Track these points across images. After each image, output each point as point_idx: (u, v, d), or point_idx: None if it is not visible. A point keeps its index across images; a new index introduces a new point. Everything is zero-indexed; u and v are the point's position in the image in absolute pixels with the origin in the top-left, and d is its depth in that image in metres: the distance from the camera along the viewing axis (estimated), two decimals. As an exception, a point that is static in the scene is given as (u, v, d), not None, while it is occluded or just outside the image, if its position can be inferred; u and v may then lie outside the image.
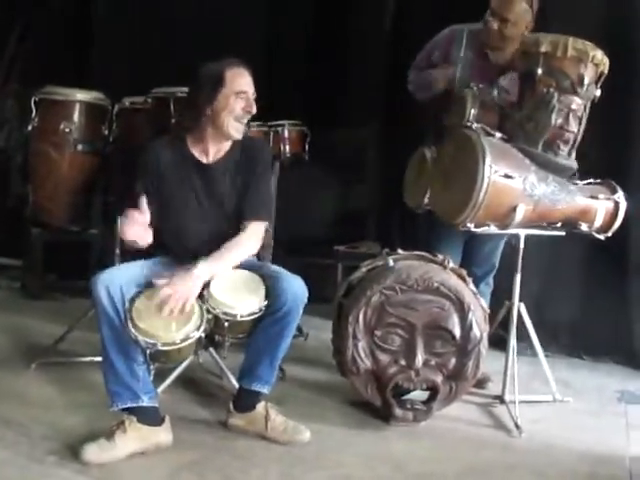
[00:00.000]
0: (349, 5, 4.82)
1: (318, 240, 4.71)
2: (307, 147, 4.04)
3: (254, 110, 3.07)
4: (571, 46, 3.11)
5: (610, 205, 3.36)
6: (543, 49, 3.13)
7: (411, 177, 3.57)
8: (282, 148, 3.89)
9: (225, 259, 2.99)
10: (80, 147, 3.77)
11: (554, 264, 3.68)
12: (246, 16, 4.85)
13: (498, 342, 3.63)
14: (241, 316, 2.90)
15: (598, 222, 3.34)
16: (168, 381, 3.30)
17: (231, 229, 3.09)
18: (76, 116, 3.80)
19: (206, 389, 3.51)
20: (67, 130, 3.75)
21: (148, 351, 2.82)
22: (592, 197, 3.32)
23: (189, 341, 2.82)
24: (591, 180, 3.40)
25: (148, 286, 2.91)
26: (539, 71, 3.14)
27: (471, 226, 3.16)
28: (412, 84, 3.83)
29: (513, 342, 3.43)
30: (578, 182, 3.35)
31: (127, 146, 3.69)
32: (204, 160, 3.13)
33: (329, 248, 4.85)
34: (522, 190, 3.10)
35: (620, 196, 3.37)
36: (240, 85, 3.05)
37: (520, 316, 3.48)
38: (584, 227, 3.33)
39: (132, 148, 3.62)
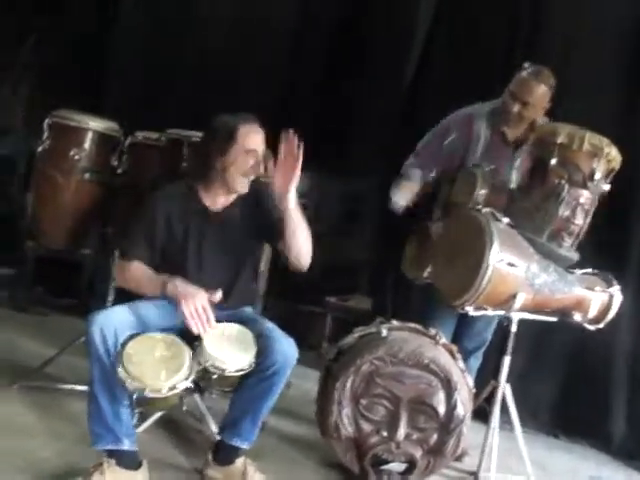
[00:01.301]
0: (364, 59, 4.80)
1: (309, 288, 4.71)
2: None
3: (261, 171, 3.10)
4: (587, 140, 3.13)
5: (605, 297, 3.38)
6: (559, 140, 3.16)
7: (412, 248, 3.59)
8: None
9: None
10: (87, 176, 3.74)
11: (540, 342, 3.69)
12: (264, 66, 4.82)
13: (479, 413, 3.62)
14: (230, 371, 2.90)
15: (592, 313, 3.36)
16: (149, 422, 3.30)
17: (247, 273, 3.16)
18: (87, 144, 3.76)
19: (185, 432, 3.50)
20: (76, 157, 3.72)
21: (135, 396, 2.81)
22: (588, 288, 3.34)
23: (176, 391, 2.82)
24: (588, 270, 3.42)
25: (144, 330, 2.92)
26: (553, 161, 3.16)
27: (470, 309, 3.17)
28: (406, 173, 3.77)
29: (495, 424, 3.43)
30: (575, 271, 3.38)
31: (136, 181, 3.68)
32: (214, 208, 3.16)
33: (319, 296, 4.85)
34: (524, 279, 3.12)
35: (616, 290, 3.39)
36: (251, 143, 3.08)
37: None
38: (577, 317, 3.34)
39: (140, 184, 3.63)
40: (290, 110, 4.80)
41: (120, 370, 2.78)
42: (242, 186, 3.11)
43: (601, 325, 3.43)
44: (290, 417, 3.84)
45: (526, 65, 3.53)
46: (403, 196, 3.52)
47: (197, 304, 2.84)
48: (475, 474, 3.50)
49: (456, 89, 4.38)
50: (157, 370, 2.81)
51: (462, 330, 3.76)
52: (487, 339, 3.86)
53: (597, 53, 4.13)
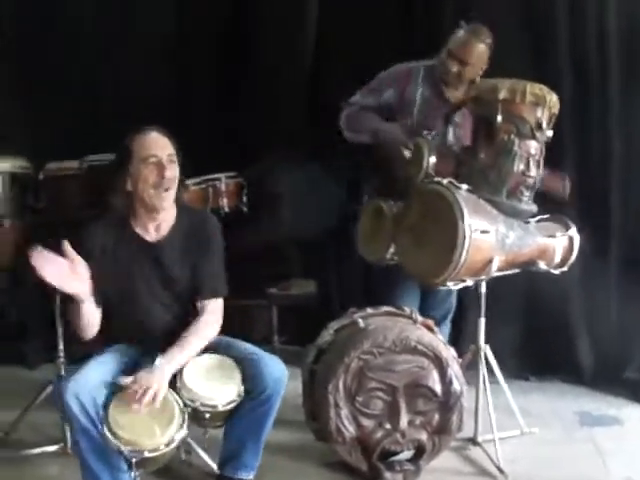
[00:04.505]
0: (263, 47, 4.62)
1: (243, 281, 4.51)
2: (245, 199, 3.83)
3: (168, 174, 2.85)
4: (529, 91, 3.09)
5: (566, 241, 3.39)
6: (502, 96, 3.09)
7: (366, 230, 3.48)
8: (220, 203, 3.67)
9: (186, 351, 2.83)
10: (7, 222, 3.40)
11: (493, 290, 3.69)
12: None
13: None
14: (222, 406, 2.77)
15: (557, 259, 3.37)
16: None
17: (186, 308, 2.96)
18: (-1, 189, 3.43)
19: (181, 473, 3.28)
20: (-12, 206, 3.39)
21: (134, 460, 2.63)
22: (550, 236, 3.33)
23: (174, 444, 2.68)
24: (542, 216, 3.40)
25: (117, 384, 2.72)
26: (499, 118, 3.10)
27: (451, 284, 3.11)
28: (347, 121, 3.70)
29: (482, 386, 3.43)
30: (530, 220, 3.35)
31: (58, 216, 3.37)
32: (148, 238, 2.94)
33: (255, 288, 4.69)
34: (496, 242, 3.06)
35: (574, 231, 3.41)
36: (146, 150, 2.86)
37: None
38: (542, 265, 3.31)
39: (64, 217, 3.35)
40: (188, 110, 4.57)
41: (110, 437, 2.61)
42: (161, 200, 2.86)
43: (565, 268, 3.44)
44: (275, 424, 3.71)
45: (462, 23, 3.46)
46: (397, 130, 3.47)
47: (148, 398, 2.63)
48: (473, 439, 3.52)
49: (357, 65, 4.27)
50: (149, 427, 2.65)
51: (427, 301, 3.72)
52: (453, 304, 3.85)
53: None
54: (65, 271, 2.67)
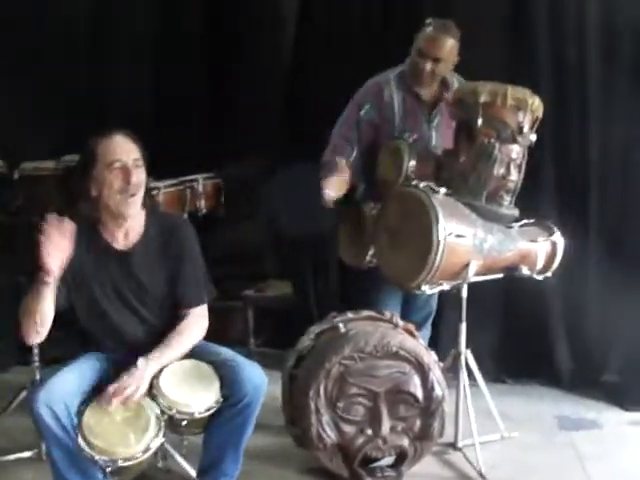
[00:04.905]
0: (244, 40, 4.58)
1: (218, 282, 4.49)
2: (224, 200, 3.79)
3: (134, 179, 2.77)
4: (510, 95, 3.08)
5: (549, 246, 3.37)
6: (482, 99, 3.08)
7: (346, 233, 3.45)
8: (198, 204, 3.63)
9: (168, 352, 2.78)
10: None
11: (471, 293, 3.68)
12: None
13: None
14: (199, 413, 2.72)
15: (539, 265, 3.35)
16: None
17: (162, 317, 2.89)
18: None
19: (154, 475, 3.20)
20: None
21: (108, 469, 2.58)
22: (532, 241, 3.32)
23: (150, 452, 2.63)
24: (525, 221, 3.39)
25: (92, 392, 2.68)
26: (479, 122, 3.09)
27: (426, 288, 3.09)
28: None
29: (463, 391, 3.41)
30: (514, 225, 3.34)
31: (35, 217, 3.30)
32: (117, 246, 2.86)
33: (230, 289, 4.64)
34: (473, 246, 3.06)
35: (557, 236, 3.39)
36: (110, 155, 2.76)
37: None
38: (525, 270, 3.30)
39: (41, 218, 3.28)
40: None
41: (84, 446, 2.55)
42: (127, 207, 2.78)
43: (549, 274, 3.43)
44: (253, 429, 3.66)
45: (429, 21, 3.42)
46: (334, 187, 3.32)
47: (125, 396, 2.61)
48: (453, 444, 3.50)
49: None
50: (124, 435, 2.60)
51: (407, 304, 3.69)
52: (433, 308, 3.83)
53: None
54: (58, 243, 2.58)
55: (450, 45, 3.39)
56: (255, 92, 4.50)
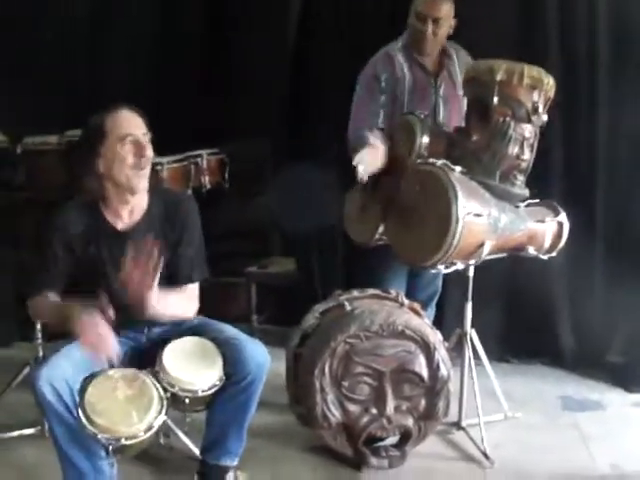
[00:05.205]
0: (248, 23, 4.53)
1: (221, 258, 4.44)
2: (227, 176, 3.73)
3: (149, 153, 2.73)
4: (526, 74, 3.01)
5: (555, 227, 3.32)
6: (499, 77, 3.00)
7: (353, 211, 3.41)
8: (202, 180, 3.57)
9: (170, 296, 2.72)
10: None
11: (476, 274, 3.65)
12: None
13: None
14: (202, 391, 2.70)
15: (546, 245, 3.31)
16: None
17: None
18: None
19: (162, 458, 3.22)
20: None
21: (111, 447, 2.56)
22: (539, 221, 3.27)
23: (153, 430, 2.59)
24: (530, 201, 3.34)
25: (94, 370, 2.65)
26: (495, 100, 3.02)
27: (441, 267, 3.04)
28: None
29: (468, 371, 3.40)
30: (520, 205, 3.29)
31: (39, 193, 3.24)
32: (119, 226, 2.81)
33: (233, 265, 4.61)
34: (488, 225, 3.00)
35: (563, 217, 3.33)
36: (123, 129, 2.71)
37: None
38: (531, 250, 3.26)
39: (45, 195, 3.24)
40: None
41: (86, 423, 2.52)
42: (138, 181, 2.73)
43: (554, 254, 3.39)
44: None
45: None
46: (368, 161, 3.19)
47: (92, 335, 2.54)
48: (457, 424, 3.49)
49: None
50: (127, 414, 2.57)
51: (413, 283, 3.66)
52: (438, 287, 3.80)
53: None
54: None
55: (447, 5, 3.41)
56: (255, 92, 4.47)
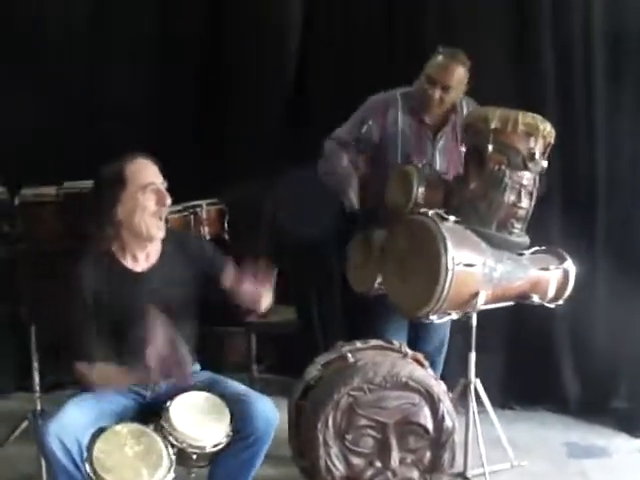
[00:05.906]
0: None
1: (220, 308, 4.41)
2: (227, 226, 3.71)
3: (168, 201, 2.77)
4: (521, 121, 3.03)
5: (560, 274, 3.32)
6: (493, 125, 3.03)
7: (357, 260, 3.40)
8: (202, 230, 3.56)
9: None
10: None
11: (478, 320, 3.64)
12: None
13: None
14: (210, 447, 2.66)
15: (551, 293, 3.30)
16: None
17: (185, 327, 2.79)
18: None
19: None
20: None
21: None
22: (543, 269, 3.27)
23: None
24: (537, 248, 3.33)
25: (101, 421, 2.62)
26: (489, 148, 3.04)
27: (434, 318, 3.03)
28: (325, 161, 3.60)
29: (473, 421, 3.36)
30: (525, 252, 3.28)
31: (36, 246, 3.23)
32: (138, 269, 2.83)
33: (230, 314, 4.56)
34: (482, 275, 3.01)
35: (569, 264, 3.33)
36: (145, 178, 2.75)
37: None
38: (536, 299, 3.27)
39: (43, 248, 3.23)
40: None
41: None
42: (157, 228, 2.78)
43: (560, 302, 3.38)
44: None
45: (440, 49, 3.41)
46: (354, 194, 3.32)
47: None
48: (463, 474, 3.44)
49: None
50: (137, 470, 2.54)
51: (418, 334, 3.64)
52: (445, 336, 3.77)
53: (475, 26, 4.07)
54: None
55: (460, 73, 3.39)
56: (258, 108, 4.48)
